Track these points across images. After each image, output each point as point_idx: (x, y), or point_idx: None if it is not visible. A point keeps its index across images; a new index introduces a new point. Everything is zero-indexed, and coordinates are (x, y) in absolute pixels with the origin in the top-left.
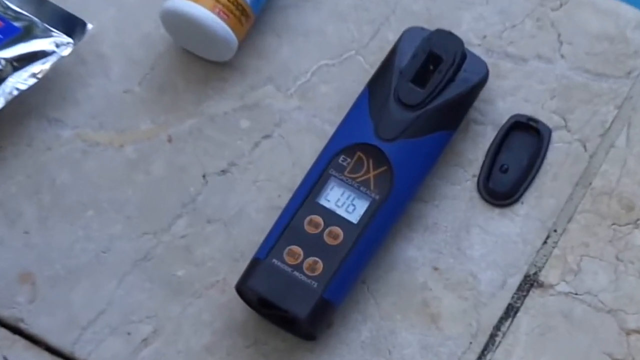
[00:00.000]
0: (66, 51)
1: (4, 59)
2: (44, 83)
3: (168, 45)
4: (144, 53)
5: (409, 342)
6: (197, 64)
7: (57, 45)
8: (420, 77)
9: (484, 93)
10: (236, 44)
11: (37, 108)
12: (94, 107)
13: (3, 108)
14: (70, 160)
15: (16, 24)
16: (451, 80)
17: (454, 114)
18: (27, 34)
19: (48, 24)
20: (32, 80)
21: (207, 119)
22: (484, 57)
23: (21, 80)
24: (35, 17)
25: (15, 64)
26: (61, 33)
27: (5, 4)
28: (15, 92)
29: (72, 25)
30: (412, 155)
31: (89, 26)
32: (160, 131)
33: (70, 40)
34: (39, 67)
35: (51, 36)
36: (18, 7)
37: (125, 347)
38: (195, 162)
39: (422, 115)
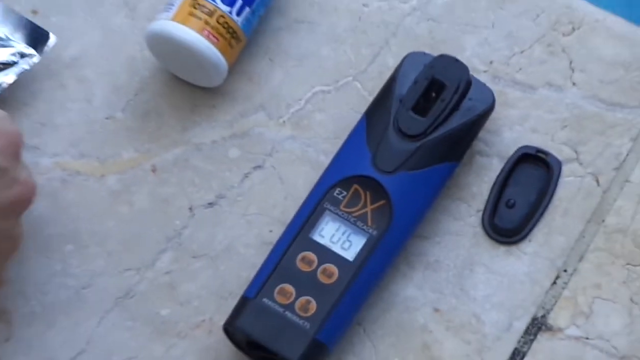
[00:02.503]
0: (30, 62)
1: None
2: (19, 107)
3: (153, 69)
4: (128, 77)
5: None
6: (184, 90)
7: (22, 56)
8: (422, 105)
9: (489, 123)
10: (226, 68)
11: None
12: (74, 134)
13: None
14: (48, 190)
15: None
16: (455, 108)
17: (458, 145)
18: None
19: (10, 34)
20: None
21: (194, 148)
22: (490, 85)
23: None
24: None
25: None
26: (23, 43)
27: None
28: None
29: (34, 35)
30: (412, 188)
31: (52, 38)
32: (144, 160)
33: (33, 52)
34: (1, 79)
35: (12, 46)
36: None
37: None
38: (181, 193)
39: (423, 146)
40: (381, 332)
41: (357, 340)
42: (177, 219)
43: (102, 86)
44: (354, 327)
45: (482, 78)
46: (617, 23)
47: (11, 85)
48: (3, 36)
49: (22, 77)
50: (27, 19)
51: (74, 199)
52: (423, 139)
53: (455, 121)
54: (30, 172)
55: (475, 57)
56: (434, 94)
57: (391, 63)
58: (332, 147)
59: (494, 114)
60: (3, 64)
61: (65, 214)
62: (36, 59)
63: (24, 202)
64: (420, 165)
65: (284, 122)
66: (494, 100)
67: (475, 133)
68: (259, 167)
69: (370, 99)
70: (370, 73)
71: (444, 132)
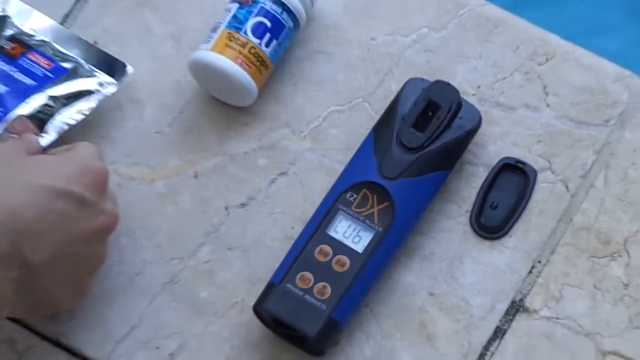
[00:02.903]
0: (109, 90)
1: (55, 96)
2: (85, 124)
3: (195, 91)
4: (174, 98)
5: (406, 359)
6: (221, 109)
7: (101, 85)
8: (420, 122)
9: (477, 138)
10: (256, 91)
11: None
12: (128, 146)
13: (54, 142)
14: None
15: (64, 65)
16: (448, 126)
17: (450, 156)
18: (74, 74)
19: (93, 66)
20: (80, 117)
21: (229, 157)
22: (477, 106)
23: (70, 116)
24: (81, 59)
25: (64, 101)
26: (104, 74)
27: (55, 47)
28: (66, 127)
29: (114, 67)
30: (412, 192)
31: (129, 68)
32: (187, 168)
33: (113, 80)
34: (86, 105)
35: (95, 76)
36: (66, 50)
37: None
38: (218, 196)
39: (421, 157)
40: (385, 312)
41: (365, 319)
42: (214, 217)
43: (152, 105)
44: (362, 308)
45: (471, 100)
46: (584, 54)
47: (93, 110)
48: (87, 68)
49: (93, 110)
50: (107, 53)
51: (128, 200)
52: (421, 151)
53: (448, 136)
54: (115, 202)
55: (465, 82)
56: (430, 114)
57: (394, 87)
58: (344, 157)
59: (480, 130)
60: (89, 91)
61: (120, 213)
62: (114, 87)
63: (107, 230)
64: (419, 173)
65: (304, 136)
66: (480, 119)
67: (465, 146)
68: (283, 173)
69: (377, 117)
70: (377, 95)
71: (438, 146)
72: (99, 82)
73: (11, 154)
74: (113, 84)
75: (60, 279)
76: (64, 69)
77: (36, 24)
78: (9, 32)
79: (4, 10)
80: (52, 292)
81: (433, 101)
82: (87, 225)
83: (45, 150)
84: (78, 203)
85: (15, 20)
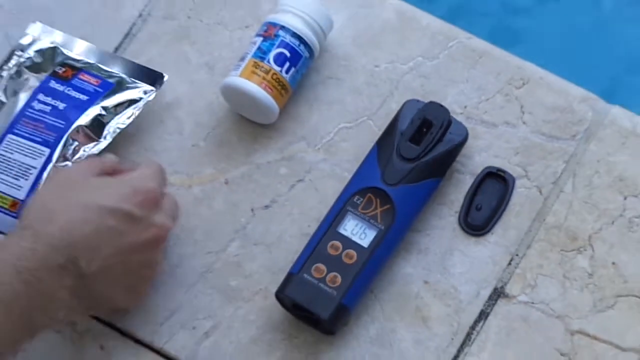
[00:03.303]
0: (151, 96)
1: (106, 107)
2: (133, 139)
3: (226, 111)
4: (208, 117)
5: (405, 338)
6: (248, 126)
7: (145, 93)
8: (416, 137)
9: (464, 150)
10: (278, 111)
11: (129, 157)
12: (170, 157)
13: (109, 145)
14: None
15: (110, 80)
16: (439, 140)
17: (441, 166)
18: (119, 87)
19: (134, 78)
20: (129, 121)
21: (255, 167)
22: (464, 123)
23: (121, 121)
24: (124, 74)
25: (114, 110)
26: (144, 84)
27: (99, 66)
28: (118, 131)
29: (153, 77)
30: (409, 196)
31: (165, 76)
32: (220, 176)
33: (152, 88)
34: (132, 111)
35: (137, 86)
36: (109, 68)
37: (191, 339)
38: (245, 199)
39: (417, 166)
40: (387, 298)
41: (370, 304)
42: (242, 217)
43: (189, 123)
44: (367, 294)
45: (459, 118)
46: (555, 80)
47: (135, 119)
48: (130, 80)
49: (139, 113)
50: (144, 66)
51: None
52: (417, 161)
53: (440, 149)
54: (171, 213)
55: (454, 103)
56: (424, 130)
57: (394, 107)
58: (352, 167)
59: (467, 144)
60: (133, 101)
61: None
62: (154, 93)
63: (156, 241)
64: (416, 180)
65: (318, 149)
66: (467, 134)
67: (454, 157)
68: (300, 180)
69: (380, 132)
70: (380, 114)
71: (432, 157)
72: (142, 91)
73: (79, 175)
74: (152, 91)
75: (114, 284)
76: (110, 83)
77: (80, 50)
78: (59, 59)
79: (53, 42)
80: (107, 296)
81: (427, 119)
82: (136, 238)
83: (101, 155)
84: (127, 219)
85: (63, 49)
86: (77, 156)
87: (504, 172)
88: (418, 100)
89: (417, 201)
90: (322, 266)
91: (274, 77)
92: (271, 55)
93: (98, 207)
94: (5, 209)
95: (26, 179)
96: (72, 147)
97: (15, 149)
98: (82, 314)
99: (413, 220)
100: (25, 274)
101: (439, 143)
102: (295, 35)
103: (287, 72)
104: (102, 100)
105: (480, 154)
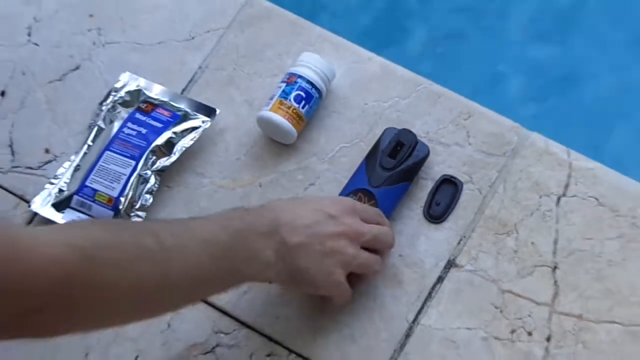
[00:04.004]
0: (207, 125)
1: (176, 132)
2: (197, 156)
3: (260, 135)
4: (247, 139)
5: (385, 294)
6: (275, 145)
7: (203, 122)
8: (393, 153)
9: (427, 163)
10: (296, 135)
11: (191, 167)
12: (221, 167)
13: (176, 160)
14: (207, 195)
15: (178, 113)
16: (409, 155)
17: (411, 173)
18: (184, 118)
19: (195, 111)
20: (191, 142)
21: (280, 174)
22: (427, 143)
23: (186, 143)
24: (188, 109)
25: (181, 134)
26: (202, 115)
27: (170, 103)
28: (184, 149)
29: (208, 111)
30: (388, 195)
31: (218, 111)
32: (255, 180)
33: (208, 118)
34: (194, 135)
35: (198, 118)
36: (178, 104)
37: None
38: (273, 197)
39: (393, 174)
40: None
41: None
42: None
43: (234, 144)
44: None
45: (423, 140)
46: (491, 114)
47: (196, 141)
48: (192, 113)
49: (199, 137)
50: (203, 103)
51: (219, 200)
52: (393, 170)
53: (409, 162)
54: (381, 221)
55: (420, 130)
56: (399, 148)
57: (378, 133)
58: (348, 174)
59: (429, 158)
60: (195, 128)
61: (215, 207)
62: (209, 123)
63: (344, 234)
64: (392, 183)
65: (325, 161)
66: (429, 151)
67: (420, 167)
68: (312, 184)
69: (368, 150)
70: (368, 138)
71: (403, 167)
72: (201, 121)
73: (316, 199)
74: (208, 120)
75: (311, 260)
76: (178, 115)
77: (157, 91)
78: (142, 98)
79: (138, 85)
80: (307, 269)
81: (400, 141)
82: (328, 228)
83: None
84: (324, 215)
85: (145, 90)
86: (155, 166)
87: (455, 178)
88: (394, 128)
89: (394, 199)
90: None
91: (294, 111)
92: (292, 96)
93: (308, 207)
94: (104, 203)
95: (118, 183)
96: (151, 160)
97: (111, 162)
98: (288, 280)
99: (391, 212)
100: (230, 229)
101: (409, 157)
102: (309, 82)
103: (303, 107)
104: (172, 127)
105: (438, 166)
